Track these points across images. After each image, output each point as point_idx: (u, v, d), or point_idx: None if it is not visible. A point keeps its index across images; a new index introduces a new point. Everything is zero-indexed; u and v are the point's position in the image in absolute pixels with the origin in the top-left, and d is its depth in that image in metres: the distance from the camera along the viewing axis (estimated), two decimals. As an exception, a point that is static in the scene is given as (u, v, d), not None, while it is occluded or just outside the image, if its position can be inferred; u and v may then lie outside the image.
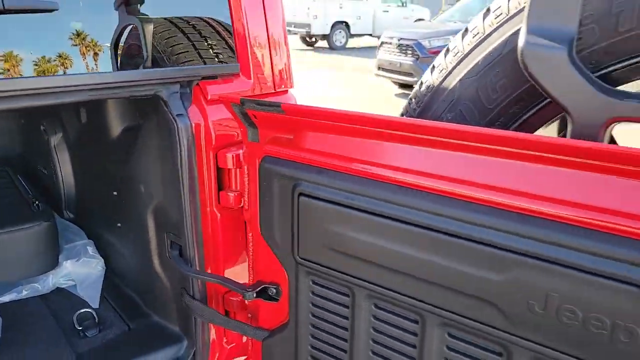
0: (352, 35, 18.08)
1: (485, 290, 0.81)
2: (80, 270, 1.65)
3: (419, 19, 17.18)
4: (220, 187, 1.29)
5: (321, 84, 9.93)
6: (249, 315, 1.36)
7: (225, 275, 1.34)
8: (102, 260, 1.72)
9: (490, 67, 1.01)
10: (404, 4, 18.79)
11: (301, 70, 11.40)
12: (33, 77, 1.02)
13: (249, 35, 1.29)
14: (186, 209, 1.27)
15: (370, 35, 18.14)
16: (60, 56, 1.07)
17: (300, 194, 1.03)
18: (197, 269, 1.32)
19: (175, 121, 1.19)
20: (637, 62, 0.87)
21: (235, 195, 1.26)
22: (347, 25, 17.93)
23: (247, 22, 1.28)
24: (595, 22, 0.87)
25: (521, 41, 0.89)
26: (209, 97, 1.24)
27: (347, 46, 17.76)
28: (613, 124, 0.84)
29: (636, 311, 0.67)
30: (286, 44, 1.42)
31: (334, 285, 1.05)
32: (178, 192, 1.26)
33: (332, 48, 17.41)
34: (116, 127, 1.57)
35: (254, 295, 1.19)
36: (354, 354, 1.05)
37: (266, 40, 1.34)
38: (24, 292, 1.58)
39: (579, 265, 0.71)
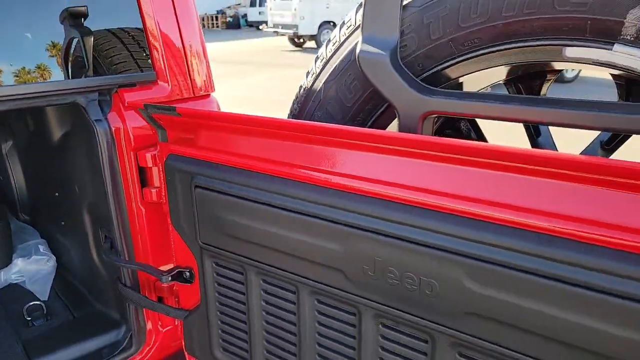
0: (340, 35, 18.09)
1: (335, 260, 0.95)
2: (31, 267, 1.78)
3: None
4: (144, 184, 1.43)
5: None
6: (176, 299, 1.49)
7: (153, 264, 1.48)
8: (54, 257, 1.86)
9: (344, 70, 1.15)
10: (391, 2, 18.86)
11: (290, 71, 11.54)
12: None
13: (162, 45, 1.43)
14: (112, 205, 1.40)
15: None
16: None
17: (196, 186, 1.17)
18: (127, 259, 1.46)
19: (95, 126, 1.32)
20: (452, 64, 1.01)
21: (156, 190, 1.39)
22: (334, 25, 18.02)
23: (159, 33, 1.42)
24: (414, 31, 1.03)
25: (358, 49, 1.04)
26: (126, 104, 1.37)
27: (335, 46, 17.76)
28: (429, 117, 0.98)
29: (434, 269, 0.82)
30: (204, 51, 1.55)
31: (230, 265, 1.19)
32: (104, 190, 1.39)
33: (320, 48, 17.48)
34: (57, 133, 1.70)
35: (169, 278, 1.33)
36: (251, 324, 1.19)
37: (181, 48, 1.47)
38: (-24, 288, 1.72)
39: (389, 232, 0.85)
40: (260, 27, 22.39)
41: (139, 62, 1.42)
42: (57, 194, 1.71)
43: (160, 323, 1.57)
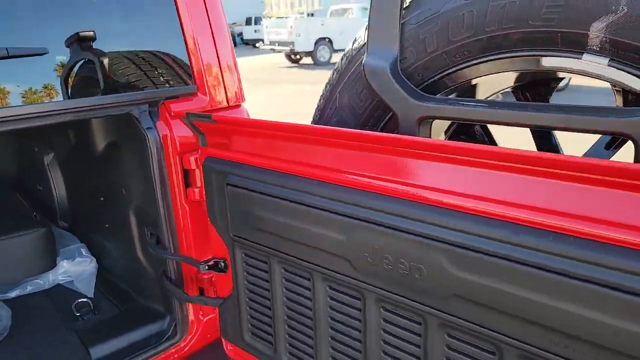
0: (336, 51, 18.52)
1: (342, 249, 1.08)
2: (76, 268, 1.93)
3: (398, 31, 17.66)
4: (187, 184, 1.59)
5: (305, 98, 10.21)
6: (214, 289, 1.64)
7: (195, 257, 1.63)
8: (95, 259, 2.00)
9: (355, 80, 1.29)
10: (383, 18, 19.33)
11: (287, 87, 11.75)
12: (33, 104, 1.32)
13: (202, 62, 1.60)
14: (160, 204, 1.56)
15: (354, 50, 18.55)
16: (46, 87, 1.37)
17: (228, 184, 1.31)
18: (172, 252, 1.61)
19: (146, 133, 1.49)
20: (447, 74, 1.15)
21: (199, 190, 1.55)
22: (330, 41, 18.35)
23: (199, 51, 1.59)
24: (412, 46, 1.17)
25: (364, 61, 1.18)
26: (172, 113, 1.54)
27: (332, 61, 18.12)
28: (425, 121, 1.12)
29: (420, 254, 0.94)
30: (236, 67, 1.73)
31: (256, 255, 1.32)
32: (152, 191, 1.55)
33: (316, 64, 17.81)
34: (100, 143, 1.86)
35: (207, 267, 1.47)
36: (274, 309, 1.32)
37: (217, 65, 1.65)
38: (29, 288, 1.87)
39: (383, 222, 0.97)
40: (257, 44, 22.75)
41: (182, 77, 1.59)
42: (102, 198, 1.87)
43: (201, 313, 1.72)
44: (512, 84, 1.35)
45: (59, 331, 1.68)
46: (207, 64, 1.62)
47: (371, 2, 1.18)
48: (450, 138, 1.50)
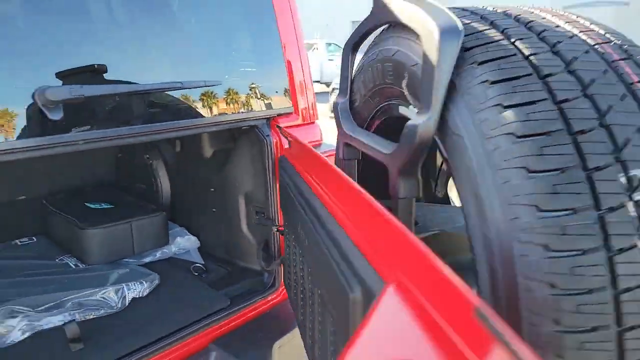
0: (304, 82, 19.25)
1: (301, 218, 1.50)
2: (187, 243, 2.57)
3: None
4: (287, 175, 2.28)
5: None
6: None
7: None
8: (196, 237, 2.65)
9: None
10: (348, 52, 20.43)
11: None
12: (204, 116, 2.00)
13: (296, 89, 2.33)
14: (271, 189, 2.24)
15: (319, 82, 19.56)
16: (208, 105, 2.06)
17: (280, 175, 1.91)
18: (274, 223, 2.29)
19: (266, 140, 2.19)
20: (378, 112, 1.45)
21: (293, 179, 2.24)
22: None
23: (294, 81, 2.32)
24: (357, 92, 1.52)
25: (333, 100, 1.81)
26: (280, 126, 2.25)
27: (301, 91, 18.78)
28: (348, 144, 1.53)
29: (304, 222, 1.38)
30: (313, 91, 2.46)
31: (287, 223, 1.81)
32: (266, 180, 2.23)
33: (287, 94, 18.47)
34: (208, 150, 2.53)
35: (276, 229, 2.15)
36: (291, 259, 1.84)
37: (305, 91, 2.38)
38: (157, 255, 2.49)
39: (304, 204, 1.41)
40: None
41: (285, 100, 2.31)
42: (212, 189, 2.53)
43: (290, 269, 2.39)
44: None
45: (191, 282, 2.31)
46: (299, 90, 2.36)
47: (341, 64, 1.61)
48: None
